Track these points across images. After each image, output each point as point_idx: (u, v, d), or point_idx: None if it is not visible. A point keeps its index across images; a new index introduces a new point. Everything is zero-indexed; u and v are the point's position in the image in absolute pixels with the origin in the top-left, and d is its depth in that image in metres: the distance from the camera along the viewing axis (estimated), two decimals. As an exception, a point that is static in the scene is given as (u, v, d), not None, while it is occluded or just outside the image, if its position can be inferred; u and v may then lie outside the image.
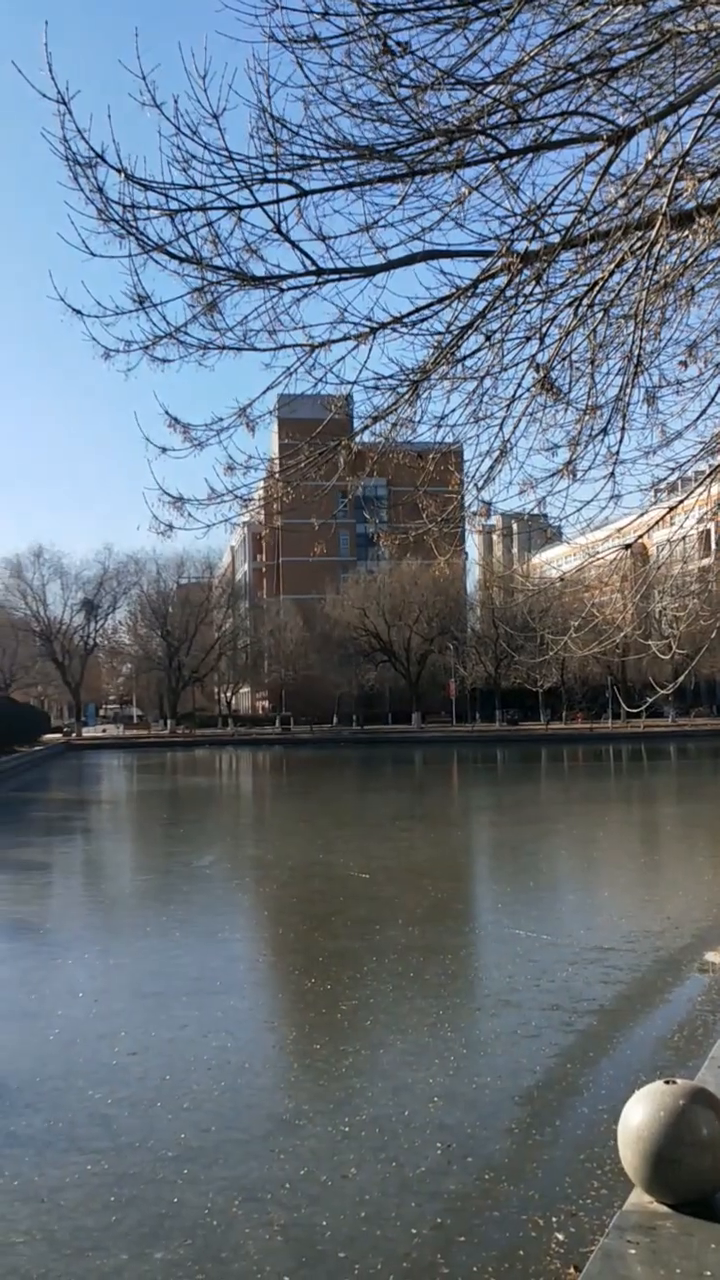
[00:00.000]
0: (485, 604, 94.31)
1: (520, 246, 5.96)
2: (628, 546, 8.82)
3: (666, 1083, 5.37)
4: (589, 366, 7.11)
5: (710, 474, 9.04)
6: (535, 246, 6.01)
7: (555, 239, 6.05)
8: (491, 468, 7.50)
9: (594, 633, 9.67)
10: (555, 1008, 11.63)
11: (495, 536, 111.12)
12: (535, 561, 73.90)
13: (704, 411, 7.70)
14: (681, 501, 9.26)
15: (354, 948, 14.95)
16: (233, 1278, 6.19)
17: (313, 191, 6.12)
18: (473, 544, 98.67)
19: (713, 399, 7.59)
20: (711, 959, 13.51)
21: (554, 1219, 6.71)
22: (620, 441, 7.28)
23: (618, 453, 7.35)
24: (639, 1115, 5.22)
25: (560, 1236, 6.47)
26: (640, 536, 8.88)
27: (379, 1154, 7.89)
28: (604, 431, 7.32)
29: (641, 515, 9.46)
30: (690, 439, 8.17)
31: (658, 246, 5.90)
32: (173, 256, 6.17)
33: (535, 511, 10.30)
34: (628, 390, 7.05)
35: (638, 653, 11.03)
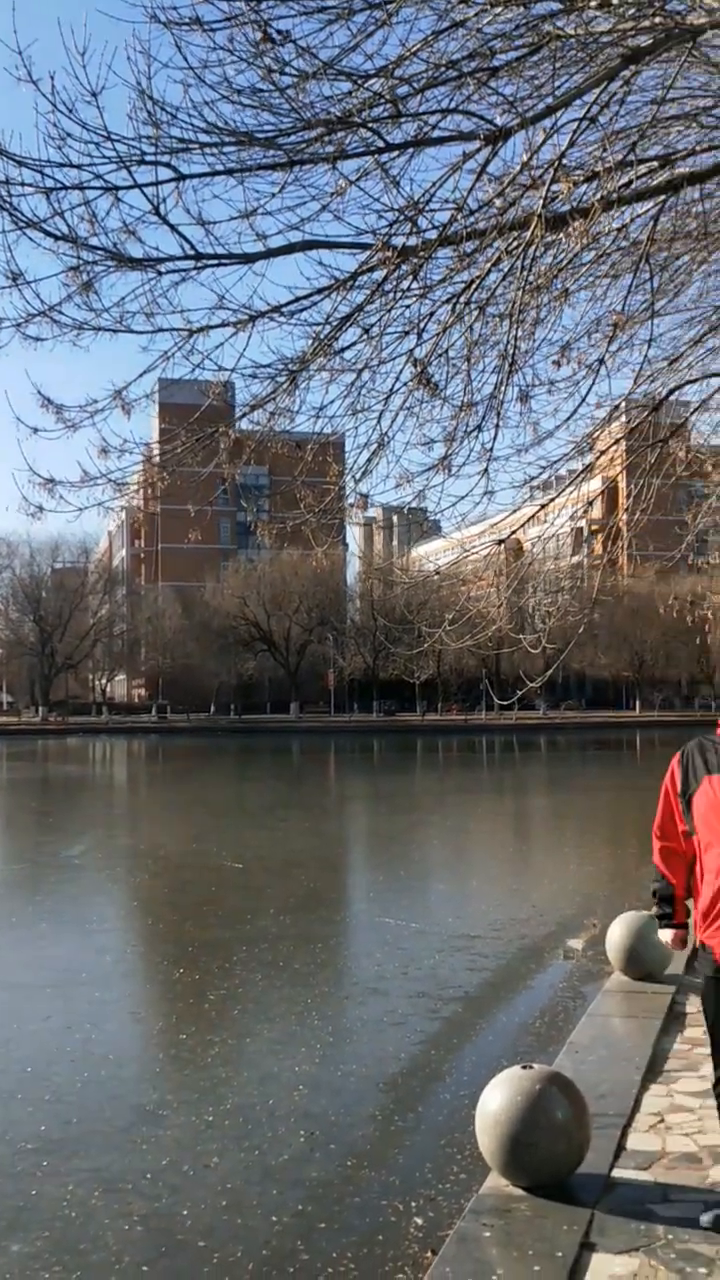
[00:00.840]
0: (364, 596, 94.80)
1: (398, 241, 6.00)
2: (500, 542, 8.97)
3: (524, 1068, 5.48)
4: (465, 363, 7.19)
5: (580, 473, 9.25)
6: (413, 242, 6.05)
7: (433, 235, 6.10)
8: (369, 460, 7.54)
9: (468, 625, 9.81)
10: (422, 995, 11.77)
11: (376, 529, 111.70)
12: (414, 555, 74.56)
13: (574, 412, 7.85)
14: (553, 499, 9.45)
15: (224, 938, 14.91)
16: (91, 1269, 6.12)
17: (192, 176, 6.05)
18: (353, 536, 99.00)
19: (583, 399, 7.75)
20: (574, 945, 13.85)
21: (413, 1204, 6.80)
22: (494, 438, 7.37)
23: (491, 449, 7.44)
24: (496, 1101, 5.32)
25: (419, 1221, 6.56)
26: (513, 532, 9.03)
27: (242, 1143, 7.89)
28: (479, 428, 7.40)
29: (514, 512, 9.63)
30: (562, 438, 8.33)
31: (533, 248, 6.00)
32: (48, 234, 6.03)
33: (414, 505, 10.39)
34: (502, 388, 7.15)
35: (510, 646, 11.27)
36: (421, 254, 6.07)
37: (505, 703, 11.48)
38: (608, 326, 7.70)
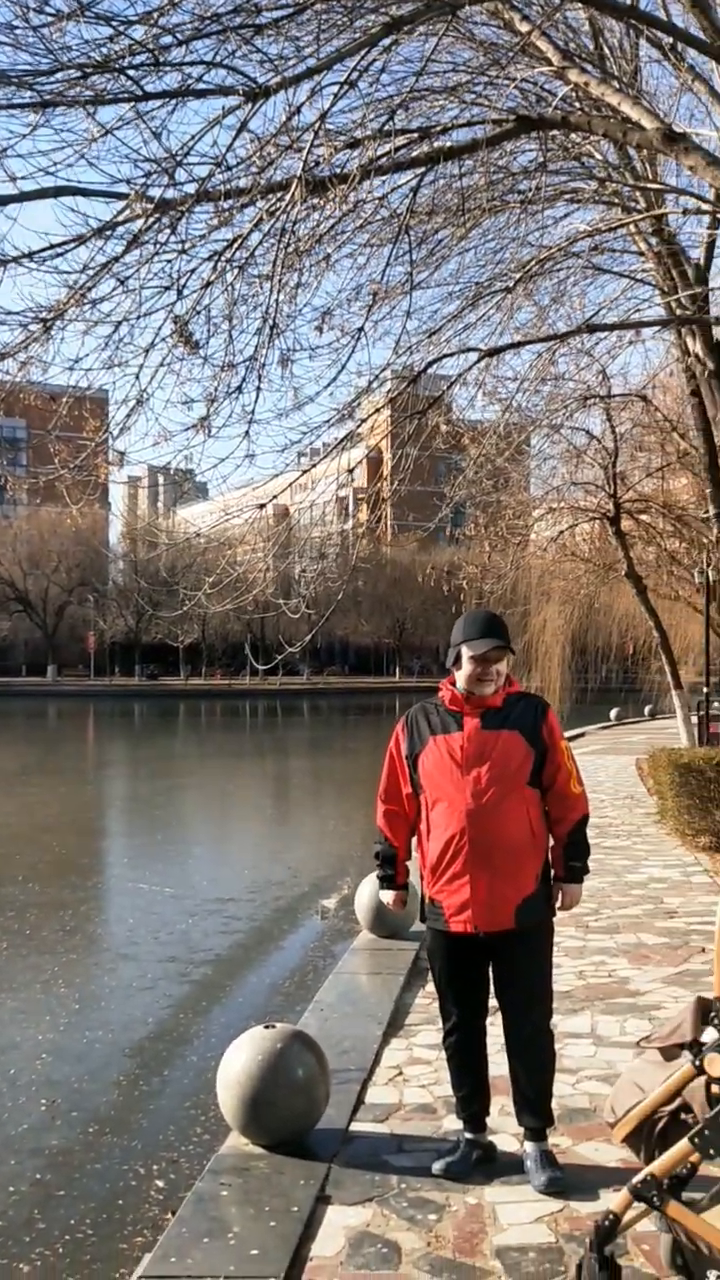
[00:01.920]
0: (127, 556, 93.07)
1: (155, 193, 5.86)
2: (261, 506, 8.95)
3: (266, 1028, 5.51)
4: (226, 323, 7.12)
5: (342, 441, 9.34)
6: (171, 195, 5.92)
7: (192, 189, 5.99)
8: (128, 416, 7.38)
9: (232, 589, 9.77)
10: (173, 959, 11.73)
11: (140, 489, 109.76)
12: (179, 517, 73.65)
13: (335, 379, 7.90)
14: (315, 465, 9.49)
15: (-31, 906, 14.42)
16: None
17: (-63, 107, 5.73)
18: (117, 495, 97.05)
19: (343, 367, 7.81)
20: (327, 905, 14.09)
21: (155, 1167, 6.80)
22: (255, 401, 7.35)
23: (253, 412, 7.41)
24: (238, 1061, 5.33)
25: (160, 1184, 6.56)
26: (275, 497, 9.03)
27: (-20, 1115, 7.68)
28: (239, 389, 7.36)
29: (276, 476, 9.63)
30: (324, 404, 8.39)
31: (294, 210, 5.98)
32: None
33: (178, 465, 10.20)
34: (264, 351, 7.13)
35: (274, 611, 11.36)
36: (180, 207, 5.95)
37: (267, 667, 11.51)
38: (368, 295, 7.78)
